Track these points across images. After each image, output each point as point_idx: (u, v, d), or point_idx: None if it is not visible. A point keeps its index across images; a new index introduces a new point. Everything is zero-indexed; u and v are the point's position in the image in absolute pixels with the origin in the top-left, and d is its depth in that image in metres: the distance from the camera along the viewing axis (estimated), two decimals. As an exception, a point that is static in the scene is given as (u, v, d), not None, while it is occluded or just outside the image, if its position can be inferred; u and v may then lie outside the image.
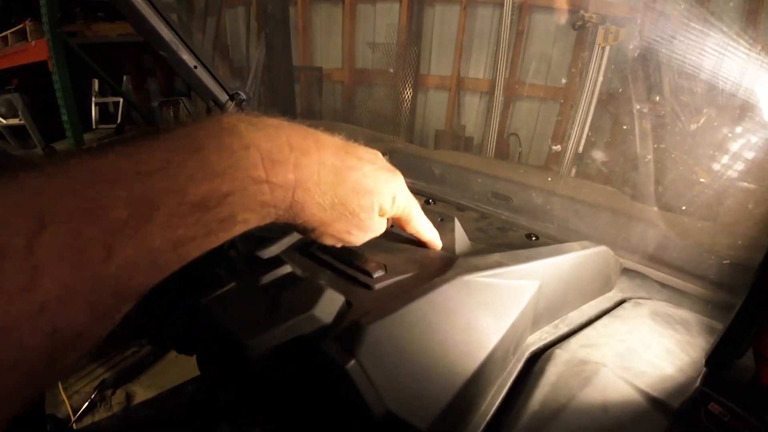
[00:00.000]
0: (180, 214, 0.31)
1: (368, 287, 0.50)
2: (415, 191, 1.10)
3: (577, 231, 0.96)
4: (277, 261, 0.54)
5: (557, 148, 2.71)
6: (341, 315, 0.45)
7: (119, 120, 3.85)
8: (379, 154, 0.50)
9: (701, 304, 0.69)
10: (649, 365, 0.51)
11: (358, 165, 0.45)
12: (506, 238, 0.87)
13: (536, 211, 1.04)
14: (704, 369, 0.44)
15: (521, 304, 0.52)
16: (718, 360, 0.42)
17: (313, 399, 0.45)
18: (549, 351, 0.55)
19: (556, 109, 3.53)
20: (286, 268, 0.53)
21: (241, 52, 3.58)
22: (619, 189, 1.39)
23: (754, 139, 0.84)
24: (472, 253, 0.62)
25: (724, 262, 0.71)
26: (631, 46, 2.97)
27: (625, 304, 0.68)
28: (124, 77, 4.00)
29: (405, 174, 1.24)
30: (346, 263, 0.54)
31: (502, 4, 3.23)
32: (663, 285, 0.77)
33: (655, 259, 0.83)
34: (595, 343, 0.56)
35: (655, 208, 1.00)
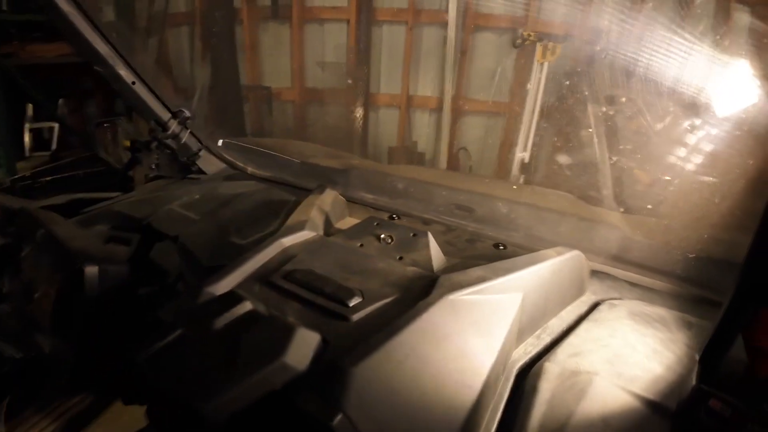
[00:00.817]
0: None
1: (345, 318, 0.44)
2: (378, 207, 1.06)
3: (542, 237, 0.96)
4: (233, 297, 0.46)
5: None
6: (317, 357, 0.39)
7: (54, 146, 3.52)
8: None
9: (673, 299, 0.70)
10: (639, 368, 0.50)
11: None
12: (476, 250, 0.85)
13: (500, 220, 1.03)
14: (697, 366, 0.42)
15: (509, 319, 0.48)
16: (712, 356, 0.41)
17: None
18: (537, 365, 0.52)
19: (502, 123, 3.68)
20: (246, 305, 0.45)
21: (185, 73, 3.42)
22: (568, 193, 1.42)
23: (692, 139, 0.89)
24: (451, 268, 0.58)
25: (690, 256, 0.72)
26: (568, 61, 3.18)
27: (600, 307, 0.68)
28: (60, 100, 3.69)
29: (366, 190, 1.19)
30: (315, 292, 0.47)
31: (446, 25, 3.34)
32: (632, 284, 0.78)
33: (621, 260, 0.83)
34: (581, 351, 0.54)
35: (613, 210, 1.03)
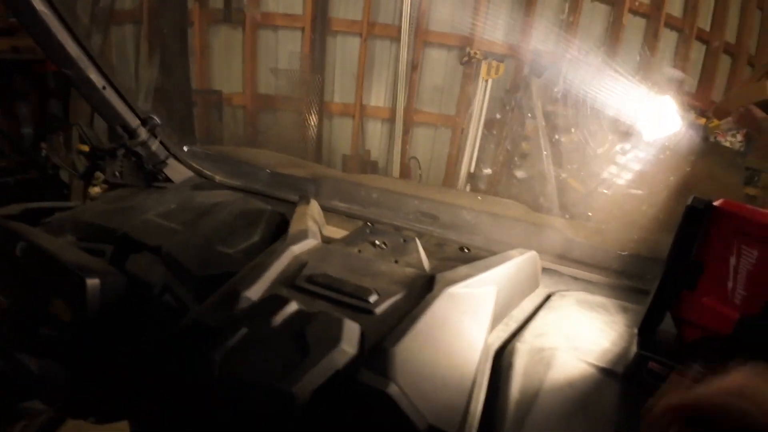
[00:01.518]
0: None
1: (370, 312, 0.52)
2: (350, 215, 1.13)
3: (498, 240, 1.08)
4: (280, 299, 0.52)
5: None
6: (361, 342, 0.47)
7: None
8: None
9: (610, 290, 0.84)
10: (590, 343, 0.61)
11: None
12: (444, 253, 0.95)
13: (461, 226, 1.14)
14: (636, 337, 0.54)
15: (489, 308, 0.58)
16: (648, 328, 0.53)
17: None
18: (510, 346, 0.62)
19: (449, 135, 3.90)
20: (293, 305, 0.51)
21: (128, 74, 3.25)
22: (512, 200, 1.58)
23: (628, 155, 1.06)
24: (437, 269, 0.67)
25: (623, 253, 0.87)
26: (510, 79, 3.45)
27: (552, 297, 0.80)
28: None
29: (338, 199, 1.25)
30: (339, 292, 0.54)
31: (398, 39, 3.49)
32: (575, 278, 0.91)
33: (565, 258, 0.98)
34: (543, 333, 0.65)
35: (555, 216, 1.19)
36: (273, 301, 0.52)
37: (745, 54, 3.82)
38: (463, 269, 0.62)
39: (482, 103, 3.35)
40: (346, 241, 0.74)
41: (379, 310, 0.52)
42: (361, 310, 0.52)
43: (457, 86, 3.67)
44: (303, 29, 3.52)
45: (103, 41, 2.96)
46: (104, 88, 1.05)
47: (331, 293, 0.55)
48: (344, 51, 3.66)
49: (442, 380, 0.45)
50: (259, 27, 3.54)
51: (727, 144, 3.48)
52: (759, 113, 2.14)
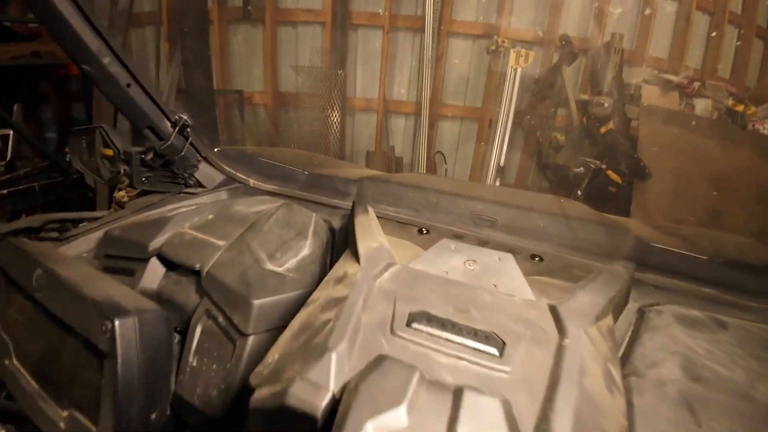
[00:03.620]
0: None
1: (502, 371, 0.40)
2: (400, 220, 1.02)
3: (571, 246, 0.95)
4: (398, 365, 0.40)
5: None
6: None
7: (9, 155, 3.18)
8: None
9: (695, 299, 0.73)
10: (709, 371, 0.51)
11: None
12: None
13: (523, 229, 1.01)
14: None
15: (615, 343, 0.48)
16: None
17: None
18: (625, 381, 0.52)
19: (476, 128, 3.77)
20: (417, 376, 0.38)
21: (149, 76, 3.24)
22: (570, 199, 1.44)
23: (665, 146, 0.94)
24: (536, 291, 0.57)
25: (704, 258, 0.76)
26: (539, 67, 3.30)
27: (648, 315, 0.69)
28: (15, 106, 3.34)
29: (385, 202, 1.12)
30: (453, 342, 0.43)
31: (421, 30, 3.37)
32: (657, 287, 0.80)
33: (646, 265, 0.86)
34: (656, 361, 0.55)
35: (630, 217, 1.07)
36: (389, 370, 0.38)
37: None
38: (582, 297, 0.51)
39: (511, 93, 3.21)
40: (428, 260, 0.63)
41: (513, 365, 0.40)
42: (490, 368, 0.40)
43: (483, 77, 3.53)
44: (323, 24, 3.44)
45: (123, 44, 2.93)
46: (129, 85, 0.96)
47: (444, 345, 0.43)
48: (366, 45, 3.56)
49: None
50: (278, 24, 3.47)
51: (766, 131, 3.25)
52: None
